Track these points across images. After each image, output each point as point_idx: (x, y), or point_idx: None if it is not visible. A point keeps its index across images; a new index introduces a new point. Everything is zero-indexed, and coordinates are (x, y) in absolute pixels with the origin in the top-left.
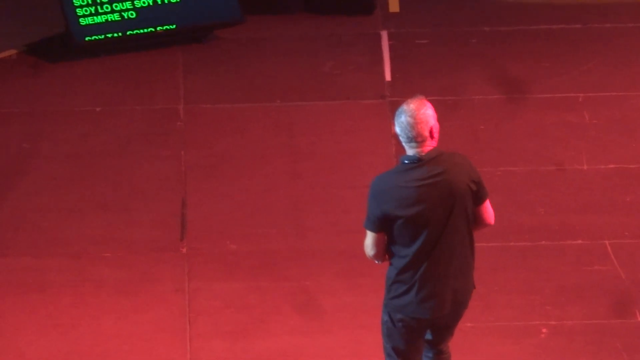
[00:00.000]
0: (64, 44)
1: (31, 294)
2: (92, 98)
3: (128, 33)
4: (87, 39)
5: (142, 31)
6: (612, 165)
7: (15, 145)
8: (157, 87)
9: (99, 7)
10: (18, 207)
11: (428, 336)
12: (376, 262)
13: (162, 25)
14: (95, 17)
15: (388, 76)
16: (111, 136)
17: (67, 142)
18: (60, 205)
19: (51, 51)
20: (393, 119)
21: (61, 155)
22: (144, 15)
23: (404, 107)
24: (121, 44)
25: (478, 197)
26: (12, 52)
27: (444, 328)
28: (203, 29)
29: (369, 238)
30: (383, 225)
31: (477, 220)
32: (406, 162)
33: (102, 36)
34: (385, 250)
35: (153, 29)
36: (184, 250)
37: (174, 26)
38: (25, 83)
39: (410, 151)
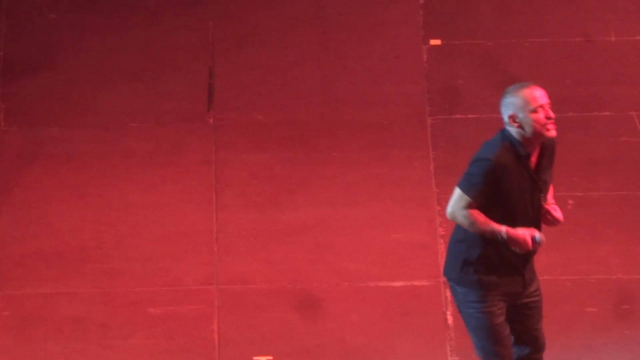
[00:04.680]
0: None
1: (60, 164)
2: None
3: None
4: None
5: None
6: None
7: (42, 17)
8: None
9: None
10: (46, 79)
11: None
12: None
13: None
14: None
15: None
16: (140, 6)
17: (96, 12)
18: (89, 77)
19: None
20: None
21: (89, 26)
22: None
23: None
24: None
25: None
26: None
27: None
28: None
29: None
30: None
31: None
32: None
33: None
34: None
35: None
36: (211, 121)
37: None
38: None
39: None
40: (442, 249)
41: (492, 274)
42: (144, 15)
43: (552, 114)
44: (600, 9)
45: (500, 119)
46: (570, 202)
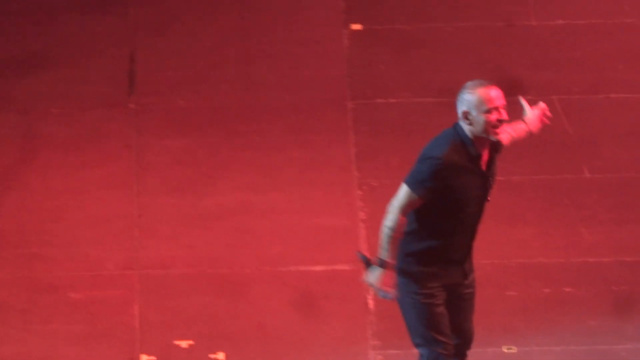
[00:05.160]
0: None
1: None
2: None
3: None
4: None
5: None
6: (560, 21)
7: None
8: None
9: None
10: None
11: None
12: None
13: None
14: None
15: None
16: None
17: None
18: (8, 61)
19: None
20: None
21: (9, 11)
22: None
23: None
24: None
25: None
26: None
27: None
28: None
29: None
30: None
31: None
32: None
33: None
34: None
35: None
36: (133, 106)
37: None
38: None
39: None
40: (362, 234)
41: (433, 266)
42: (64, 0)
43: (505, 117)
44: None
45: (421, 104)
46: None
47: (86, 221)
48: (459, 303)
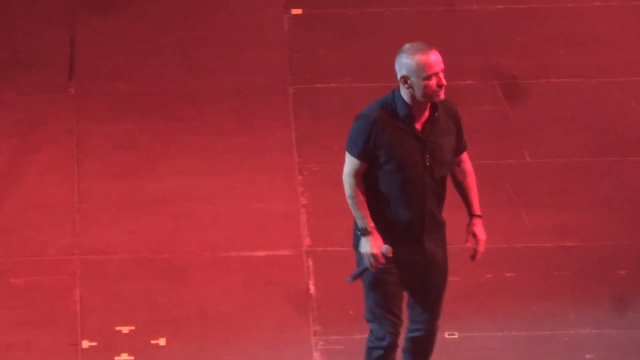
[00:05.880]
0: None
1: None
2: None
3: None
4: None
5: None
6: (501, 6)
7: None
8: None
9: None
10: None
11: None
12: None
13: None
14: None
15: None
16: None
17: None
18: None
19: None
20: None
21: None
22: None
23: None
24: None
25: None
26: None
27: None
28: None
29: None
30: None
31: None
32: None
33: None
34: None
35: None
36: (73, 90)
37: None
38: None
39: None
40: (303, 219)
41: (389, 240)
42: None
43: (444, 82)
44: None
45: (361, 89)
46: None
47: (27, 206)
48: (423, 281)
